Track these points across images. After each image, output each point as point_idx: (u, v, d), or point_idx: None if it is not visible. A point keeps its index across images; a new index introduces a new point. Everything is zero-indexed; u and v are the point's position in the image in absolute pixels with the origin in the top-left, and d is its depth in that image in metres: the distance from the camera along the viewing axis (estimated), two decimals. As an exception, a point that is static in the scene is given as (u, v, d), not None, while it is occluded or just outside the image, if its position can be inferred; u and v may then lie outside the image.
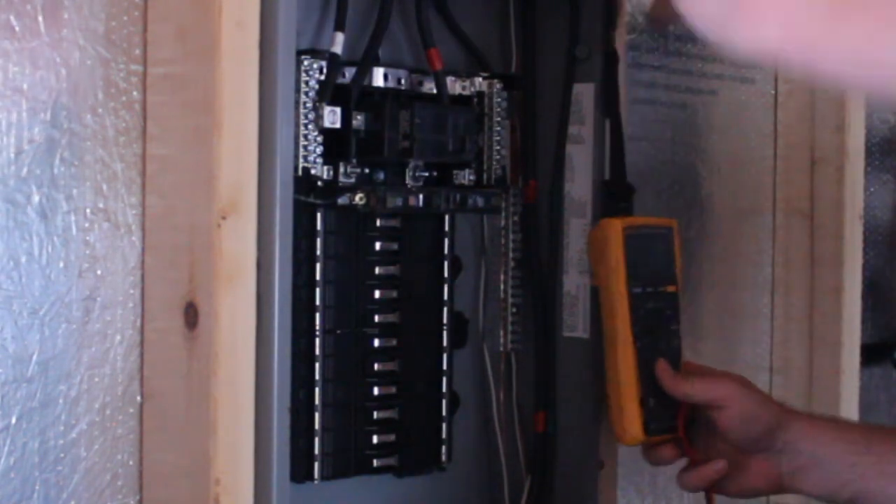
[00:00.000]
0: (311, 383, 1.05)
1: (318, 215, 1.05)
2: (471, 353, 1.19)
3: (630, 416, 1.11)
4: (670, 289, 1.14)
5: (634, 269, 1.12)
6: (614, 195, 1.16)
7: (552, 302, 1.18)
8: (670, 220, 1.16)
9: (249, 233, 0.94)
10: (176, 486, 0.95)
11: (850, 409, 1.49)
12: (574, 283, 1.18)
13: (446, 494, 1.17)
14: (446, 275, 1.14)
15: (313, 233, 1.05)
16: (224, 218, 0.92)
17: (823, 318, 1.50)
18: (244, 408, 0.93)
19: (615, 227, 1.12)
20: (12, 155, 0.92)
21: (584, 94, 1.18)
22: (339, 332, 1.07)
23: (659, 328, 1.13)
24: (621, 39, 1.18)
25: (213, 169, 0.92)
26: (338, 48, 1.03)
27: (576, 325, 1.18)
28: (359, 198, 1.03)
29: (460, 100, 1.13)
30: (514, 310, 1.20)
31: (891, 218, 1.73)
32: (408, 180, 1.08)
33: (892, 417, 1.74)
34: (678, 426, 1.13)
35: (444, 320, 1.14)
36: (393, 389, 1.10)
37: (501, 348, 1.20)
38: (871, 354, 1.63)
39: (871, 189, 1.66)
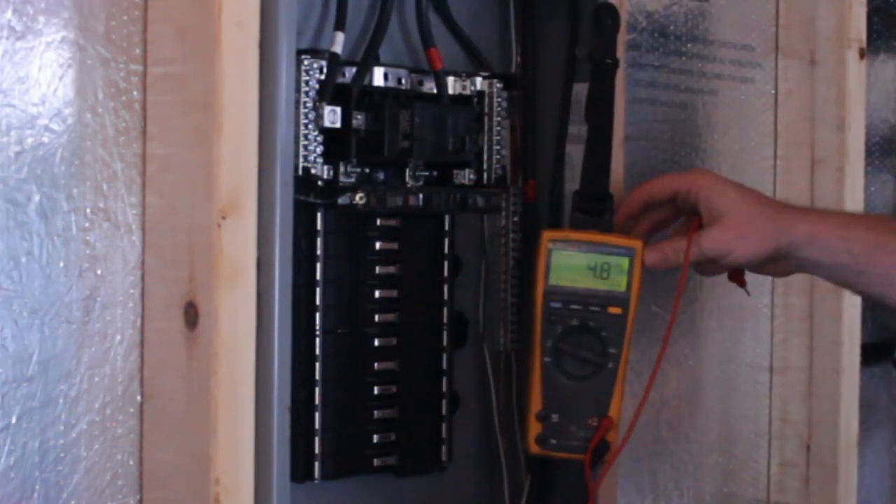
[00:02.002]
0: (311, 383, 1.05)
1: (318, 215, 1.05)
2: (471, 353, 1.19)
3: (528, 427, 1.10)
4: (613, 310, 1.10)
5: (558, 285, 1.09)
6: (581, 208, 1.12)
7: (552, 302, 1.18)
8: (634, 241, 1.11)
9: (249, 233, 0.94)
10: (176, 486, 0.95)
11: (849, 408, 1.49)
12: (574, 282, 1.18)
13: (446, 494, 1.17)
14: (446, 275, 1.14)
15: (313, 233, 1.05)
16: (224, 218, 0.92)
17: (823, 318, 1.50)
18: (244, 408, 0.93)
19: (544, 238, 1.10)
20: (12, 155, 0.92)
21: (584, 94, 1.17)
22: (339, 331, 1.07)
23: (583, 347, 1.10)
24: (621, 39, 1.18)
25: (213, 169, 0.92)
26: (338, 48, 1.03)
27: (576, 324, 1.18)
28: (359, 198, 1.03)
29: (460, 100, 1.13)
30: (514, 310, 1.20)
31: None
32: (408, 180, 1.08)
33: (893, 417, 1.74)
34: (588, 449, 1.10)
35: (444, 320, 1.14)
36: (393, 389, 1.10)
37: (501, 348, 1.20)
38: (871, 354, 1.63)
39: (871, 189, 1.66)
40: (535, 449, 1.10)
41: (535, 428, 1.10)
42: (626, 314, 1.10)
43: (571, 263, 1.10)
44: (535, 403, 1.10)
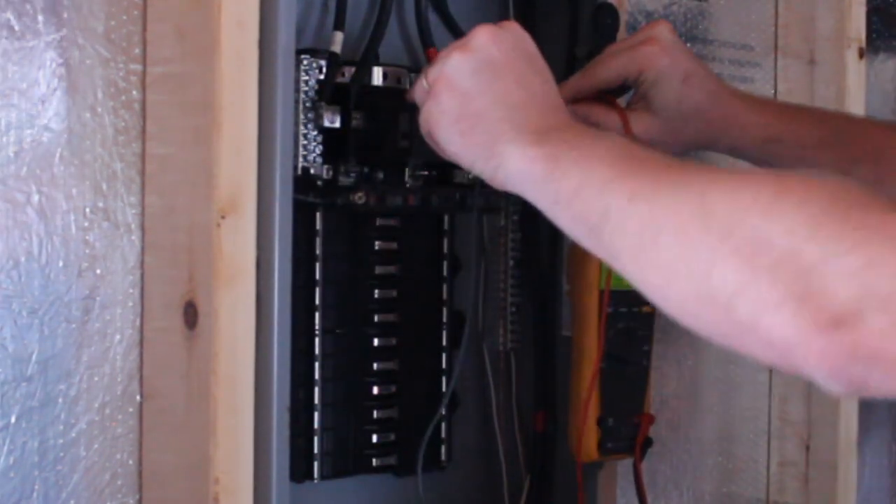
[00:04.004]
0: (311, 383, 1.05)
1: (318, 215, 1.05)
2: (471, 352, 1.19)
3: (587, 436, 1.12)
4: (646, 309, 1.13)
5: (610, 289, 1.11)
6: None
7: (552, 302, 1.18)
8: None
9: (249, 232, 0.94)
10: (176, 485, 0.95)
11: (849, 408, 1.49)
12: (574, 282, 1.18)
13: (446, 494, 1.17)
14: (445, 274, 1.14)
15: (313, 233, 1.05)
16: (224, 217, 0.92)
17: (823, 317, 1.50)
18: (244, 407, 0.93)
19: None
20: (12, 154, 0.92)
21: (584, 93, 1.17)
22: (338, 331, 1.07)
23: (629, 348, 1.12)
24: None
25: (213, 168, 0.92)
26: (337, 47, 1.03)
27: (575, 324, 1.18)
28: (358, 197, 1.03)
29: (460, 99, 1.13)
30: (513, 309, 1.20)
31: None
32: (407, 180, 1.08)
33: (892, 417, 1.74)
34: (635, 447, 1.14)
35: (444, 320, 1.14)
36: (392, 389, 1.10)
37: (501, 348, 1.20)
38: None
39: (871, 189, 1.65)
40: (595, 455, 1.12)
41: (595, 434, 1.12)
42: (654, 311, 1.13)
43: None
44: (594, 411, 1.12)
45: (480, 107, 0.89)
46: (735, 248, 0.70)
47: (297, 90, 1.00)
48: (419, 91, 0.93)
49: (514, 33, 0.92)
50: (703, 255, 0.71)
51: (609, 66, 1.06)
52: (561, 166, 0.82)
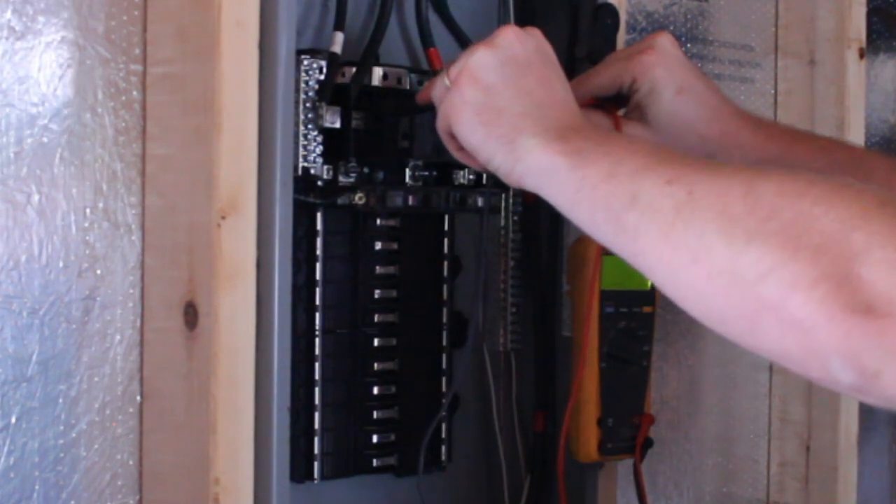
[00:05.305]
0: (311, 383, 1.05)
1: (318, 215, 1.05)
2: (471, 352, 1.19)
3: (587, 436, 1.12)
4: (646, 309, 1.13)
5: (609, 289, 1.11)
6: None
7: (552, 302, 1.18)
8: None
9: (249, 232, 0.94)
10: (176, 485, 0.95)
11: (849, 408, 1.49)
12: (574, 282, 1.18)
13: (446, 494, 1.17)
14: (446, 274, 1.14)
15: (313, 233, 1.05)
16: (224, 217, 0.92)
17: (823, 317, 1.50)
18: (244, 408, 0.93)
19: (594, 247, 1.11)
20: (12, 155, 0.92)
21: (584, 93, 1.17)
22: (338, 331, 1.07)
23: (629, 349, 1.13)
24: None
25: (213, 169, 0.92)
26: (337, 48, 1.03)
27: (575, 324, 1.18)
28: (358, 197, 1.03)
29: (460, 100, 1.13)
30: (514, 310, 1.20)
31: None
32: (407, 180, 1.08)
33: (892, 417, 1.74)
34: (635, 447, 1.14)
35: (444, 320, 1.14)
36: (392, 389, 1.10)
37: (501, 348, 1.20)
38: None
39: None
40: (596, 457, 1.13)
41: (595, 435, 1.12)
42: (654, 311, 1.13)
43: (617, 266, 1.11)
44: (595, 410, 1.12)
45: (504, 100, 0.89)
46: (780, 228, 0.70)
47: (297, 90, 1.00)
48: (439, 88, 0.93)
49: (537, 37, 0.93)
50: (743, 233, 0.72)
51: (603, 73, 1.06)
52: (589, 158, 0.83)
